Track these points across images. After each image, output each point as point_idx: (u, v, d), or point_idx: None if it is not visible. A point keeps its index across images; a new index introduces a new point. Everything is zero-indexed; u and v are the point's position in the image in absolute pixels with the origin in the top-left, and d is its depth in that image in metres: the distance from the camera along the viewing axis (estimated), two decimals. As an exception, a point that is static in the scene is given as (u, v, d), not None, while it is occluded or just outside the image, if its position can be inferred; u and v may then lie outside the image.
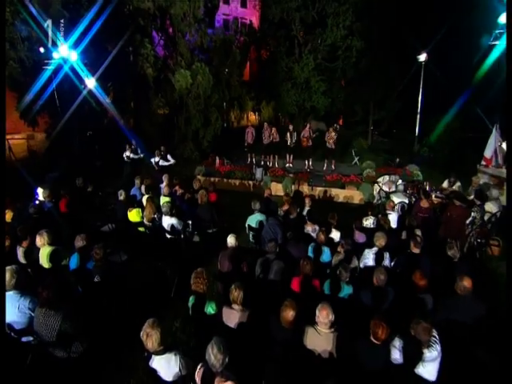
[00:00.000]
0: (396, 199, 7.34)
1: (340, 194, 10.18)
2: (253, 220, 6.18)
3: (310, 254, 5.02)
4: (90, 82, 11.01)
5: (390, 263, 4.85)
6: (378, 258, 4.80)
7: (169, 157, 11.01)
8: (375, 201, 9.29)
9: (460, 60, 14.10)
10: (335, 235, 5.69)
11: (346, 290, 4.09)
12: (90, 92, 11.24)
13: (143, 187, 7.86)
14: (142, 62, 13.32)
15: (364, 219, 6.33)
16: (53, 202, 7.26)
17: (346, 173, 11.83)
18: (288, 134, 12.41)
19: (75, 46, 10.67)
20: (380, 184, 8.99)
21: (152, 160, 10.95)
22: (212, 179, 11.91)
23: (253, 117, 26.55)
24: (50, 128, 12.78)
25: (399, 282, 4.14)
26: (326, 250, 5.00)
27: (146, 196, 7.04)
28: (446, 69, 14.04)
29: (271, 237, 5.05)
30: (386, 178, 9.02)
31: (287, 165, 12.78)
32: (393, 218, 6.27)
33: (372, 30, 17.92)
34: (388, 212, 6.38)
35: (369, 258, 4.85)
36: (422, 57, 13.14)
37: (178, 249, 5.94)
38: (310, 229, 5.84)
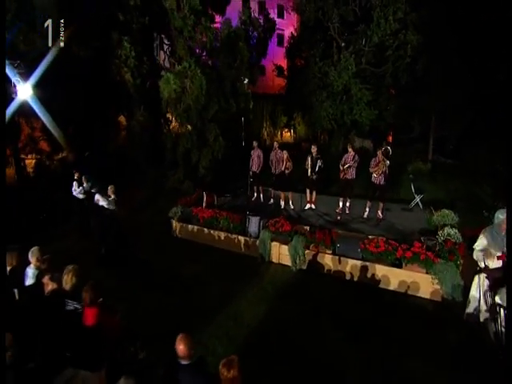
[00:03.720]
0: None
1: (392, 278, 5.00)
2: None
3: None
4: (24, 90, 7.22)
5: None
6: None
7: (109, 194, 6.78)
8: (471, 309, 4.02)
9: None
10: None
11: None
12: (27, 104, 7.44)
13: None
14: (119, 67, 9.43)
15: None
16: None
17: (399, 223, 6.66)
18: (309, 159, 7.58)
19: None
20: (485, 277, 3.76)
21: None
22: (190, 227, 7.46)
23: (288, 134, 21.99)
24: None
25: None
26: None
27: None
28: None
29: None
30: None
31: (307, 206, 7.89)
32: None
33: (434, 20, 12.57)
34: None
35: None
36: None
37: None
38: None
